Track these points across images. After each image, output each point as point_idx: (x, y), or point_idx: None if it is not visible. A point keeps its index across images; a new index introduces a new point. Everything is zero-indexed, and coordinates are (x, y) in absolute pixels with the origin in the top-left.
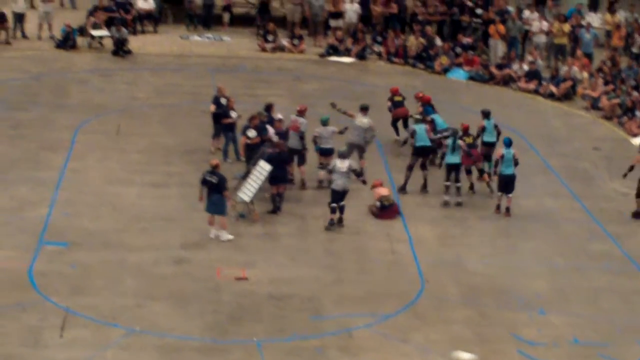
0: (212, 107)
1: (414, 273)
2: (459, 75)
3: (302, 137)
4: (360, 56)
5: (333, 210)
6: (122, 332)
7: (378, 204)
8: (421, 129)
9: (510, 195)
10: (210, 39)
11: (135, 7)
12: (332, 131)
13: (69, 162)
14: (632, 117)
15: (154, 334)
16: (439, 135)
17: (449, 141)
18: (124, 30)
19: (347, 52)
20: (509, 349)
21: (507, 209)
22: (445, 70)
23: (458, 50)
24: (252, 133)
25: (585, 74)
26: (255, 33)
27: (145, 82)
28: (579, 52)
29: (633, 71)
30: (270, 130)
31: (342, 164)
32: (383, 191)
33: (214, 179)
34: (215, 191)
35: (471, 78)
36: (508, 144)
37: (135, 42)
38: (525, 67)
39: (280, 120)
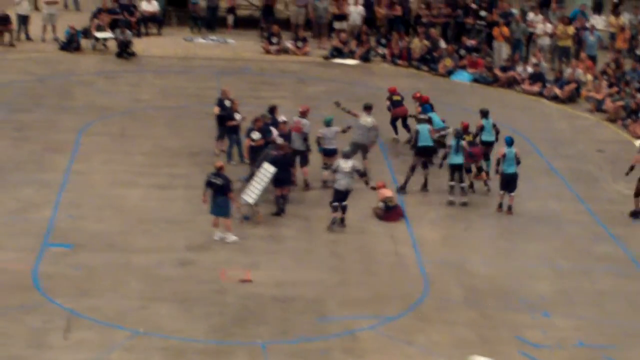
0: (216, 109)
1: (417, 275)
2: (463, 77)
3: (305, 138)
4: (365, 58)
5: (335, 209)
6: (126, 334)
7: (382, 205)
8: (424, 129)
9: (512, 194)
10: (214, 41)
11: (140, 9)
12: (335, 131)
13: (73, 164)
14: (636, 120)
15: (158, 335)
16: (437, 135)
17: (452, 142)
18: (128, 32)
19: (351, 55)
20: (512, 351)
21: (509, 208)
22: (449, 73)
23: (462, 52)
24: (256, 135)
25: (590, 77)
26: (259, 35)
27: (149, 84)
28: (583, 55)
29: (637, 73)
30: (274, 132)
31: (345, 164)
32: (387, 192)
33: (218, 181)
34: (220, 193)
35: (475, 80)
36: (510, 142)
37: (139, 45)
38: (529, 69)
39: (284, 123)
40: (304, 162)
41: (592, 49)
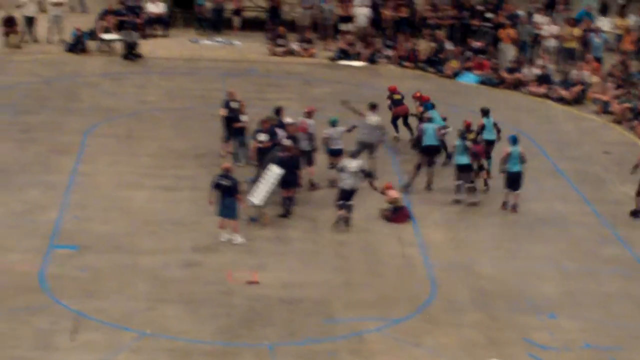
0: (223, 111)
1: (424, 276)
2: (469, 79)
3: (311, 139)
4: (371, 60)
5: (340, 207)
6: (133, 335)
7: (391, 207)
8: (430, 128)
9: (517, 192)
10: (220, 43)
11: (146, 10)
12: (341, 131)
13: (79, 166)
14: None
15: (165, 337)
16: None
17: (457, 142)
18: (134, 34)
19: (357, 56)
20: (520, 352)
21: (514, 206)
22: (456, 74)
23: (468, 54)
24: (263, 137)
25: (596, 78)
26: (265, 37)
27: (155, 86)
28: (589, 56)
29: None
30: (281, 133)
31: (351, 164)
32: (394, 194)
33: (226, 182)
34: (228, 195)
35: (481, 82)
36: (514, 141)
37: (145, 46)
38: (536, 71)
39: (292, 125)
40: (310, 162)
41: (598, 50)
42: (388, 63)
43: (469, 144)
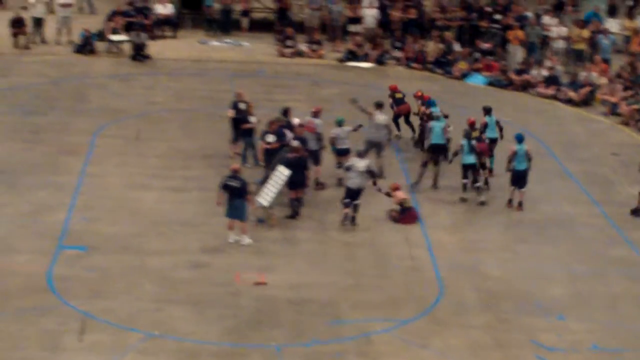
0: (231, 112)
1: (432, 278)
2: (477, 80)
3: (319, 138)
4: (379, 61)
5: (346, 206)
6: (140, 336)
7: (398, 208)
8: (438, 126)
9: (522, 190)
10: (228, 44)
11: (154, 12)
12: (347, 131)
13: (87, 167)
14: None
15: (172, 338)
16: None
17: (463, 142)
18: (142, 35)
19: (365, 57)
20: (528, 354)
21: (520, 204)
22: (464, 76)
23: (477, 55)
24: (270, 138)
25: (604, 80)
26: (274, 38)
27: (163, 87)
28: (597, 58)
29: None
30: (289, 134)
31: (359, 163)
32: (402, 194)
33: (235, 184)
34: (237, 196)
35: (490, 83)
36: (520, 139)
37: (153, 47)
38: (544, 72)
39: (300, 126)
40: (317, 161)
41: (605, 52)
42: (396, 64)
43: (474, 142)
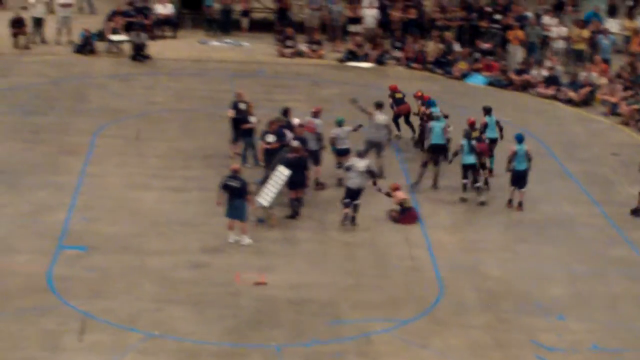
0: (231, 112)
1: (432, 278)
2: (477, 80)
3: (319, 138)
4: (379, 61)
5: (346, 205)
6: (140, 336)
7: (398, 208)
8: (438, 126)
9: (522, 190)
10: (228, 44)
11: (154, 12)
12: (347, 131)
13: (87, 167)
14: None
15: (172, 338)
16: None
17: (463, 142)
18: (142, 35)
19: (365, 57)
20: (528, 354)
21: (520, 204)
22: (464, 76)
23: (477, 55)
24: (270, 138)
25: (604, 80)
26: (274, 38)
27: (163, 87)
28: (597, 58)
29: None
30: (289, 134)
31: (360, 163)
32: (402, 195)
33: (236, 184)
34: (237, 196)
35: (490, 83)
36: (520, 140)
37: (153, 47)
38: (544, 72)
39: (300, 126)
40: (317, 161)
41: (605, 52)
42: (396, 64)
43: (474, 142)
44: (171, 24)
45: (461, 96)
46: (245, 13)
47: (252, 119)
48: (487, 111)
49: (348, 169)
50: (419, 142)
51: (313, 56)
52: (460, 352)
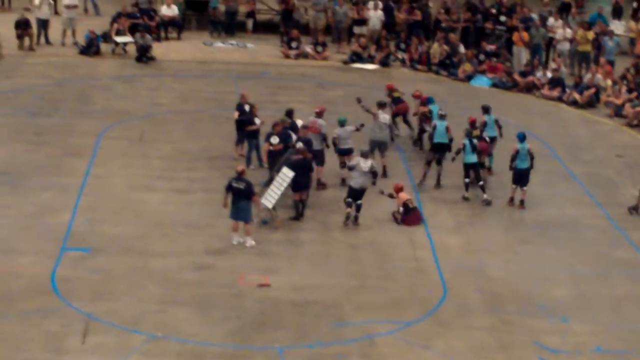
0: (236, 114)
1: (436, 280)
2: (482, 82)
3: (324, 138)
4: (384, 63)
5: (349, 205)
6: (144, 338)
7: (402, 209)
8: (441, 125)
9: (524, 188)
10: (233, 46)
11: (159, 13)
12: (350, 131)
13: (91, 168)
14: None
15: (176, 339)
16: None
17: (465, 141)
18: (147, 36)
19: (370, 59)
20: (531, 356)
21: (522, 202)
22: (469, 78)
23: (481, 57)
24: (275, 140)
25: (609, 82)
26: (278, 40)
27: (168, 89)
28: (602, 60)
29: None
30: (294, 136)
31: (365, 163)
32: (405, 195)
33: (241, 186)
34: (242, 197)
35: (494, 85)
36: (522, 138)
37: (158, 49)
38: (549, 74)
39: (304, 128)
40: (320, 162)
41: (610, 54)
42: (401, 66)
43: (476, 143)
44: (176, 25)
45: (466, 98)
46: (250, 15)
47: (257, 120)
48: (486, 110)
49: (352, 168)
50: (418, 141)
51: (318, 58)
52: (463, 354)
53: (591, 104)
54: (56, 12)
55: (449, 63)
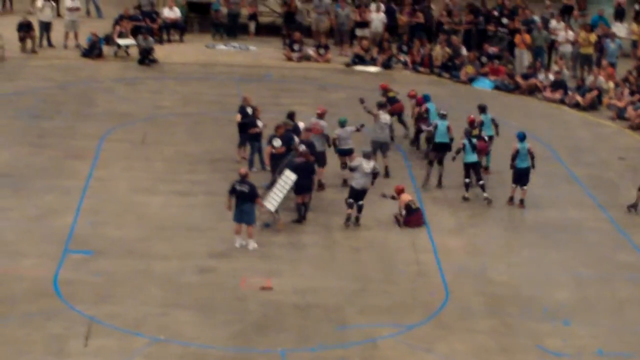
0: (238, 117)
1: (438, 283)
2: (484, 84)
3: (327, 139)
4: (386, 65)
5: (350, 205)
6: (146, 340)
7: (404, 211)
8: (443, 125)
9: (524, 187)
10: (236, 48)
11: (162, 16)
12: (350, 131)
13: (94, 171)
14: None
15: (178, 342)
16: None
17: (464, 141)
18: (150, 39)
19: (372, 62)
20: (533, 359)
21: (521, 201)
22: (471, 80)
23: (484, 59)
24: (277, 142)
25: (611, 84)
26: (281, 42)
27: (170, 91)
28: (604, 62)
29: None
30: (296, 139)
31: (367, 164)
32: (407, 197)
33: (245, 188)
34: (246, 200)
35: (497, 87)
36: (522, 138)
37: (161, 51)
38: (551, 76)
39: (307, 130)
40: (322, 163)
41: (612, 56)
42: (403, 68)
43: (476, 142)
44: (178, 28)
45: (468, 100)
46: (253, 17)
47: (259, 123)
48: (482, 109)
49: (354, 169)
50: (415, 141)
51: (320, 60)
52: (465, 357)
53: (593, 106)
54: (58, 15)
55: (451, 65)
